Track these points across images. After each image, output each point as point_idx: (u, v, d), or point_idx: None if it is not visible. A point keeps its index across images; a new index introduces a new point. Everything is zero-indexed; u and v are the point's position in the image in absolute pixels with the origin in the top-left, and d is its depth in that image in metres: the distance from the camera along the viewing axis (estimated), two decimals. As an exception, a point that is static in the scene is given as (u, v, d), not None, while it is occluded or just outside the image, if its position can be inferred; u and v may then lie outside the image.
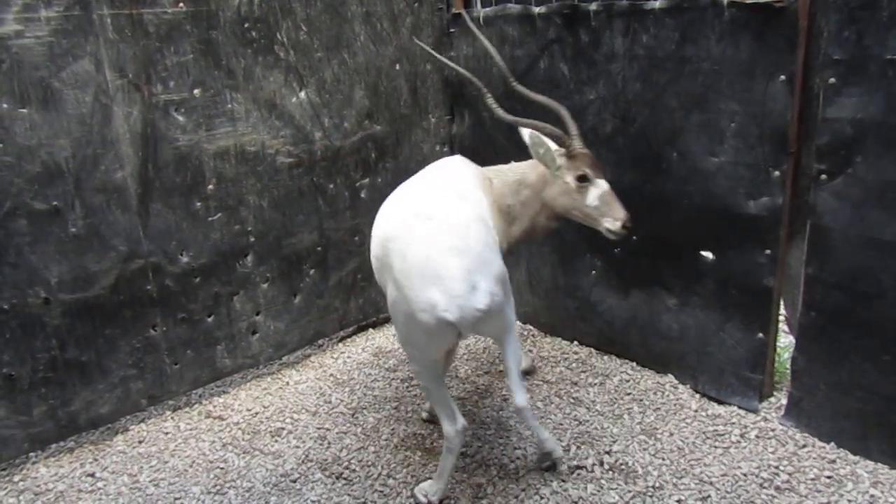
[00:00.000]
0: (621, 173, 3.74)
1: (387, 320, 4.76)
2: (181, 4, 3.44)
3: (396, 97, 4.45)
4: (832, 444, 3.20)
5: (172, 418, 3.79)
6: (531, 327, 4.55)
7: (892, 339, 2.93)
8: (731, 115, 3.23)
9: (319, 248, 4.28)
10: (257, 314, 4.07)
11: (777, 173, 3.15)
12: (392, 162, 4.52)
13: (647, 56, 3.48)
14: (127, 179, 3.41)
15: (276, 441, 3.54)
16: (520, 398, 2.91)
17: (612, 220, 3.04)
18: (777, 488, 2.95)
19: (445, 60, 3.73)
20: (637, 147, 3.66)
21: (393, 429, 3.58)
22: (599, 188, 3.04)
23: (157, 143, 3.48)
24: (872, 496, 2.87)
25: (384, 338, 4.57)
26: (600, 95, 3.73)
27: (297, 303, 4.25)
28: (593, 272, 4.09)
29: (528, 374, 3.95)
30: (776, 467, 3.07)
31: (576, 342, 4.31)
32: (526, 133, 3.07)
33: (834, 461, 3.10)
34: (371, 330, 4.67)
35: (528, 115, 3.17)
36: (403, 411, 3.72)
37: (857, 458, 3.10)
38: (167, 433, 3.65)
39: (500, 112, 3.16)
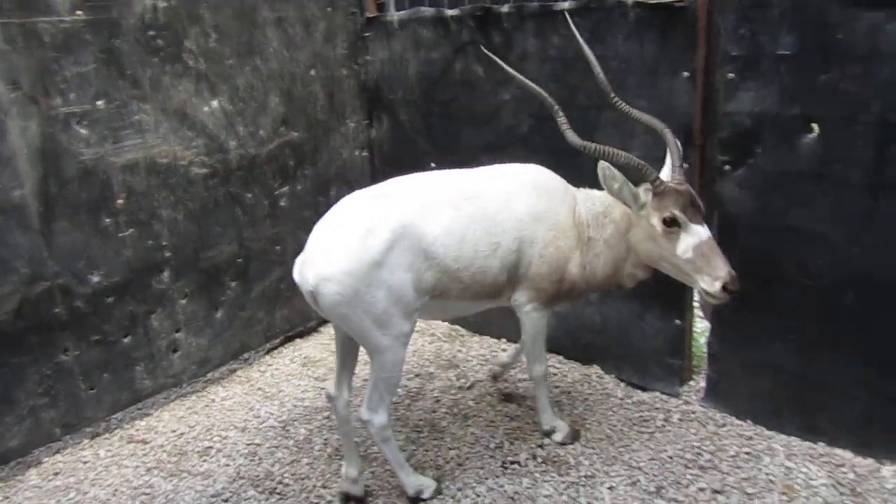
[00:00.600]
0: (539, 171, 3.81)
1: (314, 329, 4.68)
2: (79, 13, 3.28)
3: (312, 103, 4.39)
4: (749, 421, 3.36)
5: (91, 446, 3.60)
6: (459, 328, 4.58)
7: (796, 320, 3.11)
8: (641, 112, 3.34)
9: (240, 260, 4.17)
10: (177, 331, 3.93)
11: (685, 166, 3.28)
12: (311, 169, 4.46)
13: (558, 56, 3.56)
14: (27, 197, 3.23)
15: (205, 461, 3.43)
16: (364, 413, 2.82)
17: (711, 279, 2.52)
18: (701, 467, 3.08)
19: (514, 72, 3.10)
20: (553, 145, 3.72)
21: (325, 439, 3.53)
22: (695, 236, 2.54)
23: (58, 158, 3.30)
24: (788, 468, 3.03)
25: (312, 347, 4.50)
26: (515, 96, 3.80)
27: (219, 317, 4.13)
28: (517, 270, 4.16)
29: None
30: (699, 448, 3.20)
31: (504, 340, 4.37)
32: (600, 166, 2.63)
33: (751, 438, 3.26)
34: (298, 340, 4.59)
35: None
36: (335, 421, 3.67)
37: (772, 433, 3.27)
38: (86, 462, 3.47)
39: (571, 135, 2.76)
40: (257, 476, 3.27)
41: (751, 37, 2.91)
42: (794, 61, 2.83)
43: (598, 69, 2.93)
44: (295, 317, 4.56)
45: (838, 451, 3.09)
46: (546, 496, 2.99)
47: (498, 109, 3.88)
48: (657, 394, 3.66)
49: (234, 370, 4.30)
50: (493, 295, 2.98)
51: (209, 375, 4.20)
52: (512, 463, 3.21)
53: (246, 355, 4.39)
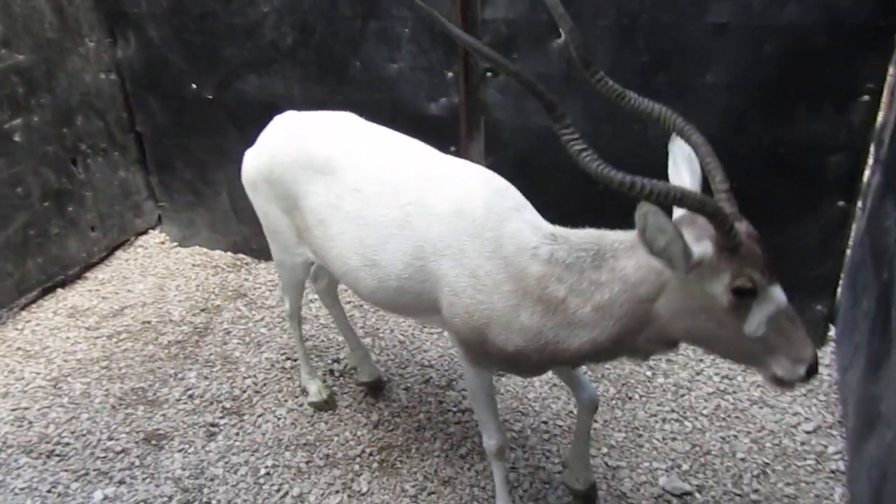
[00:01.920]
0: (310, 87, 3.71)
1: (78, 276, 4.25)
2: None
3: (38, 20, 3.80)
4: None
5: None
6: (244, 256, 4.43)
7: (560, 217, 3.42)
8: (404, 22, 3.35)
9: (-28, 207, 3.61)
10: None
11: (451, 74, 3.38)
12: (48, 97, 3.91)
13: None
14: None
15: (-39, 436, 3.04)
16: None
17: (791, 361, 1.66)
18: (485, 357, 3.35)
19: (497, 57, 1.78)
20: (320, 59, 3.63)
21: (107, 390, 3.29)
22: (771, 305, 1.65)
23: None
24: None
25: (79, 296, 4.10)
26: (276, 7, 3.60)
27: (-44, 275, 3.58)
28: (297, 191, 4.08)
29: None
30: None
31: (291, 263, 4.31)
32: (641, 210, 1.55)
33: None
34: (61, 290, 4.14)
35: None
36: (116, 369, 3.43)
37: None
38: None
39: (595, 165, 1.63)
40: (29, 441, 2.99)
41: (500, -55, 3.01)
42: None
43: (566, 25, 1.85)
44: (52, 265, 4.09)
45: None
46: (346, 406, 3.09)
47: (259, 22, 3.66)
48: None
49: (-15, 332, 3.80)
50: (408, 314, 2.52)
51: (-47, 342, 3.67)
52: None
53: (-3, 314, 3.89)
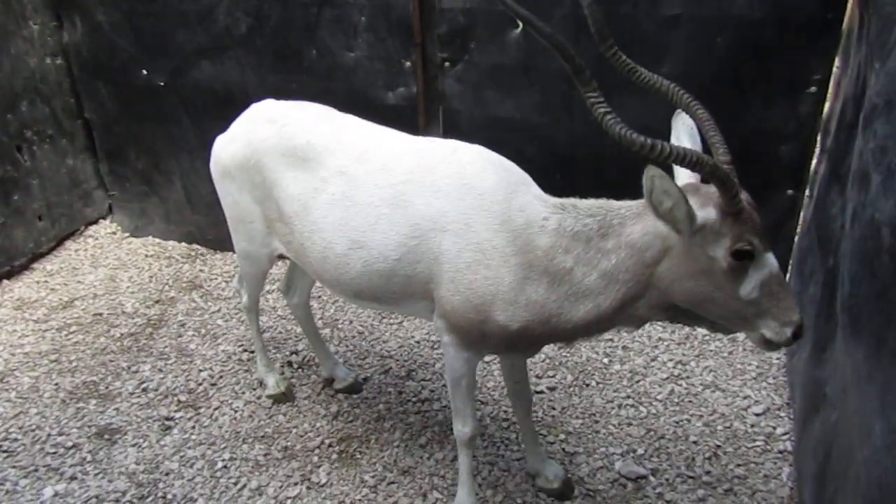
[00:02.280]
0: (265, 74, 3.65)
1: (25, 267, 4.11)
2: None
3: (-22, 1, 3.66)
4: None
5: None
6: (198, 246, 4.35)
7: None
8: (360, 10, 3.32)
9: (-90, 197, 3.47)
10: None
11: (408, 64, 3.36)
12: (-10, 81, 3.78)
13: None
14: None
15: None
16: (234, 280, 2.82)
17: (779, 324, 1.77)
18: (444, 346, 3.36)
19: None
20: (276, 46, 3.58)
21: (57, 383, 3.20)
22: (765, 268, 1.75)
23: None
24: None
25: (26, 287, 3.97)
26: (228, -8, 3.52)
27: None
28: (253, 180, 4.01)
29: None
30: (442, 329, 3.48)
31: (248, 253, 4.24)
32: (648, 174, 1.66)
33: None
34: (6, 281, 4.01)
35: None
36: (66, 362, 3.34)
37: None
38: None
39: (619, 128, 1.64)
40: (-25, 439, 2.89)
41: (457, -68, 2.99)
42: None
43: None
44: (-2, 256, 3.96)
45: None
46: (305, 398, 3.07)
47: (212, 8, 3.57)
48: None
49: (-74, 327, 3.66)
50: (384, 302, 2.30)
51: None
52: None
53: (-61, 308, 3.74)
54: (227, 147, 2.50)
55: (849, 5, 2.71)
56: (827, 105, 2.94)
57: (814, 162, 3.09)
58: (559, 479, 2.56)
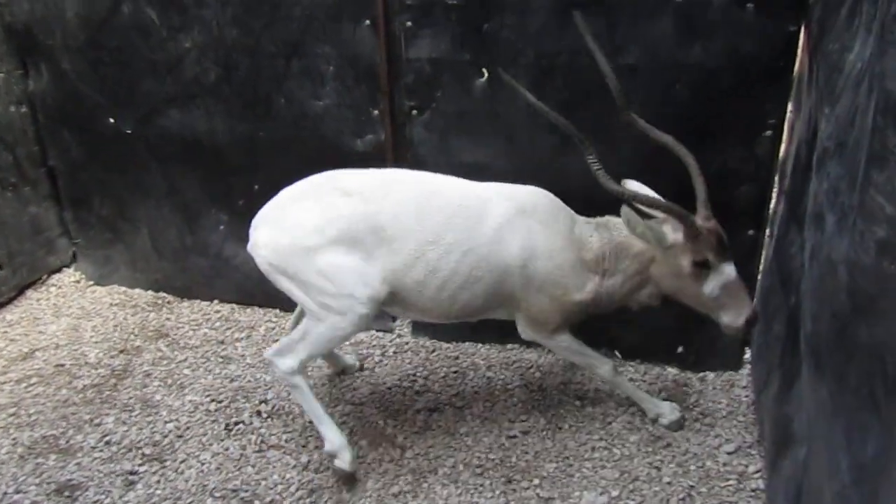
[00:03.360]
0: (233, 123, 3.67)
1: (-16, 320, 4.01)
2: None
3: (-58, 51, 3.64)
4: (454, 342, 3.71)
5: None
6: (165, 295, 4.28)
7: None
8: (328, 59, 3.37)
9: None
10: None
11: (376, 112, 3.41)
12: (-47, 131, 3.73)
13: (239, 2, 3.40)
14: None
15: None
16: (267, 352, 2.84)
17: (736, 314, 2.52)
18: (417, 392, 3.34)
19: (528, 95, 2.66)
20: (244, 95, 3.60)
21: (14, 438, 3.09)
22: (723, 276, 2.50)
23: None
24: (489, 377, 3.43)
25: (-16, 340, 3.87)
26: (197, 43, 3.55)
27: None
28: (221, 227, 3.99)
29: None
30: (414, 375, 3.46)
31: (216, 301, 4.19)
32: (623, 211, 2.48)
33: (457, 357, 3.61)
34: (-36, 335, 3.91)
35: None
36: (25, 416, 3.24)
37: (474, 350, 3.65)
38: None
39: (605, 179, 2.48)
40: (-73, 500, 2.78)
41: (422, -14, 3.08)
42: (461, 11, 3.06)
43: (607, 70, 2.53)
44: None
45: (526, 355, 3.57)
46: (274, 447, 3.01)
47: (180, 58, 3.60)
48: (373, 332, 3.84)
49: None
50: (476, 315, 2.90)
51: None
52: (236, 424, 3.15)
53: None
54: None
55: (798, 53, 2.84)
56: (782, 148, 3.05)
57: (773, 203, 3.19)
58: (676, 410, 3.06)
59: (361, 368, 3.51)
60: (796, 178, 2.70)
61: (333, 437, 2.75)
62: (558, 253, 2.68)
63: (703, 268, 2.46)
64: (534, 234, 2.65)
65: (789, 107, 2.97)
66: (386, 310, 2.85)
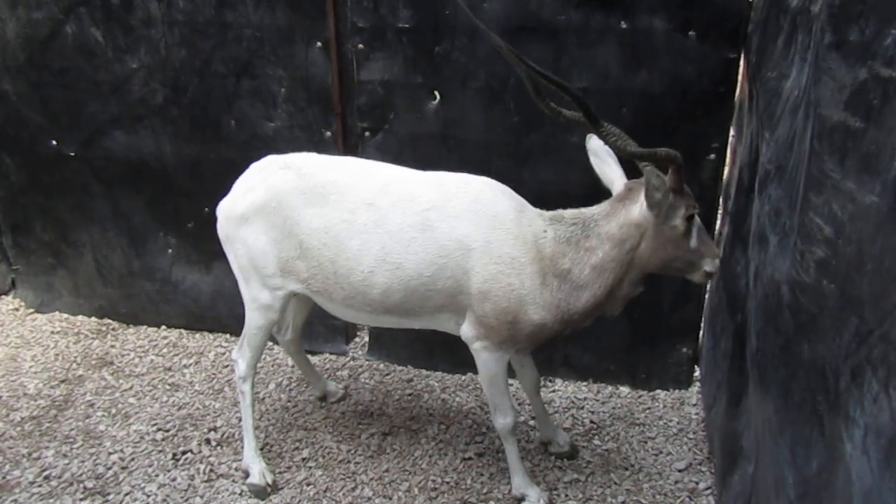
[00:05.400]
0: (181, 145, 3.60)
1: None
2: None
3: None
4: (409, 366, 3.69)
5: None
6: (110, 321, 4.15)
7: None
8: (280, 81, 3.35)
9: None
10: None
11: (329, 133, 3.39)
12: None
13: (187, 22, 3.36)
14: None
15: None
16: (234, 352, 2.95)
17: (710, 259, 2.39)
18: (371, 416, 3.29)
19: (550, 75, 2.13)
20: (193, 117, 3.55)
21: (-54, 477, 2.94)
22: (696, 223, 2.37)
23: None
24: (444, 399, 3.41)
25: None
26: (144, 64, 3.49)
27: None
28: (169, 250, 3.90)
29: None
30: (371, 400, 3.42)
31: (163, 327, 4.08)
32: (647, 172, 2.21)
33: (412, 380, 3.58)
34: None
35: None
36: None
37: (428, 373, 3.64)
38: None
39: (630, 147, 2.22)
40: None
41: (374, 9, 3.09)
42: (413, 34, 3.09)
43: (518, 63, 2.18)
44: None
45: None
46: (222, 476, 2.92)
47: (126, 78, 3.53)
48: (326, 355, 3.79)
49: None
50: (413, 315, 2.56)
51: None
52: (184, 453, 3.06)
53: None
54: (243, 197, 2.63)
55: (739, 80, 2.94)
56: (726, 171, 3.14)
57: (718, 223, 3.27)
58: (568, 443, 3.00)
59: (345, 398, 3.43)
60: (739, 200, 2.78)
61: (248, 454, 2.89)
62: (501, 249, 2.40)
63: (690, 220, 2.31)
64: (469, 226, 2.40)
65: (731, 131, 3.07)
66: (310, 296, 2.67)
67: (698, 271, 2.41)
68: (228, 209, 2.67)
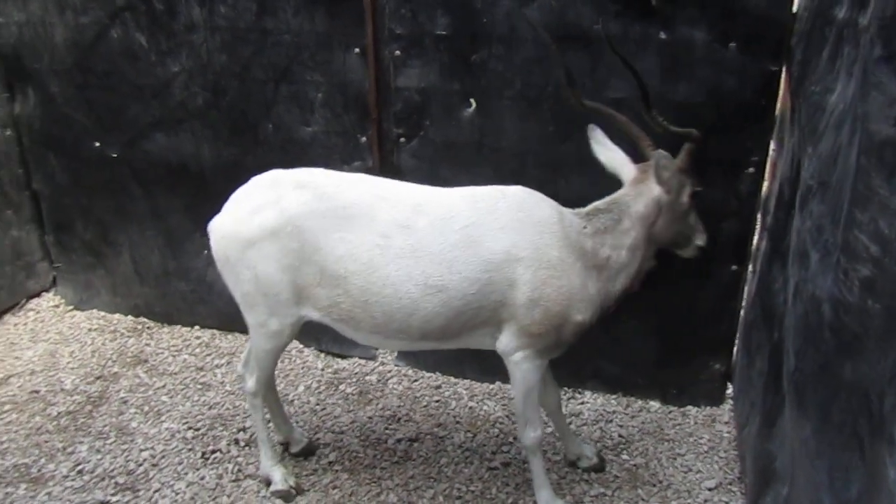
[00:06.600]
0: (220, 148, 3.66)
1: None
2: None
3: (-73, 71, 3.62)
4: (437, 373, 3.68)
5: None
6: (146, 320, 4.22)
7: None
8: (317, 86, 3.38)
9: None
10: None
11: (364, 139, 3.41)
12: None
13: (228, 27, 3.42)
14: None
15: None
16: (239, 367, 2.90)
17: (701, 232, 2.67)
18: (398, 421, 3.30)
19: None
20: (232, 121, 3.60)
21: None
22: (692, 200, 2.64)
23: None
24: (471, 407, 3.39)
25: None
26: (185, 68, 3.56)
27: None
28: (205, 252, 3.95)
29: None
30: (398, 405, 3.42)
31: (197, 327, 4.14)
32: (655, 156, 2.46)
33: (440, 387, 3.57)
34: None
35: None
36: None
37: (457, 380, 3.62)
38: None
39: (671, 126, 2.55)
40: None
41: (412, 17, 3.11)
42: (450, 41, 3.10)
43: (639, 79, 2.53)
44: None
45: (508, 386, 3.55)
46: (251, 476, 2.95)
47: (168, 82, 3.60)
48: (356, 359, 3.80)
49: None
50: (449, 338, 2.51)
51: None
52: (213, 452, 3.09)
53: None
54: (250, 219, 2.44)
55: (780, 93, 2.88)
56: (765, 185, 3.08)
57: (755, 239, 3.21)
58: (595, 454, 2.98)
59: (312, 452, 3.09)
60: (779, 215, 2.72)
61: (265, 463, 2.86)
62: (550, 254, 2.44)
63: (693, 197, 2.55)
64: (515, 237, 2.41)
65: (772, 145, 3.01)
66: (329, 324, 2.58)
67: (691, 245, 2.65)
68: (230, 230, 2.48)
